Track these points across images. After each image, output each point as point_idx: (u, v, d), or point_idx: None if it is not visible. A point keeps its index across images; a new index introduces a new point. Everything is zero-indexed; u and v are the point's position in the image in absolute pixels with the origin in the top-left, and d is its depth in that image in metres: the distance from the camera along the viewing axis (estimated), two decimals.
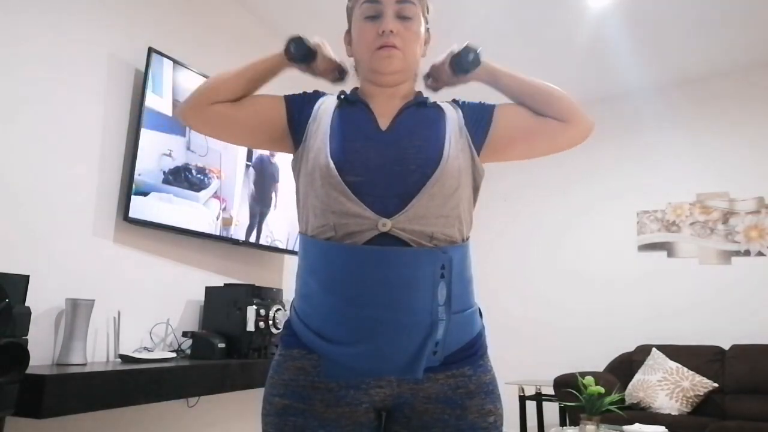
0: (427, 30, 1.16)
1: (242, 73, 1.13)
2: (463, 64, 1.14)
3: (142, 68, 2.60)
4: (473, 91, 1.28)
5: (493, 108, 1.13)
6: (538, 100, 1.11)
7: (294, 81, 1.36)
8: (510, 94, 1.15)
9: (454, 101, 1.16)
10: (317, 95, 1.15)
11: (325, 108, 1.09)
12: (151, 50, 2.58)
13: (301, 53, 1.13)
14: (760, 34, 3.55)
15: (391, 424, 1.00)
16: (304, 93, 1.15)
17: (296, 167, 1.08)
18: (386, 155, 0.99)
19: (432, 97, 1.16)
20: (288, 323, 1.04)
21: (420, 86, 1.19)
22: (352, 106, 1.10)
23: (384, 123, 1.06)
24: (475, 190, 1.08)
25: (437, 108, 1.12)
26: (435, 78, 1.21)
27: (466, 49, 1.14)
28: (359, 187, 0.97)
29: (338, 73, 1.18)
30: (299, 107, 1.11)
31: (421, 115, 1.08)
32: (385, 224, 0.94)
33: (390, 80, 1.09)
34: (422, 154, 1.00)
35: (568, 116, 1.10)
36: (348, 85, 1.18)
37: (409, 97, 1.13)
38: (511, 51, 3.77)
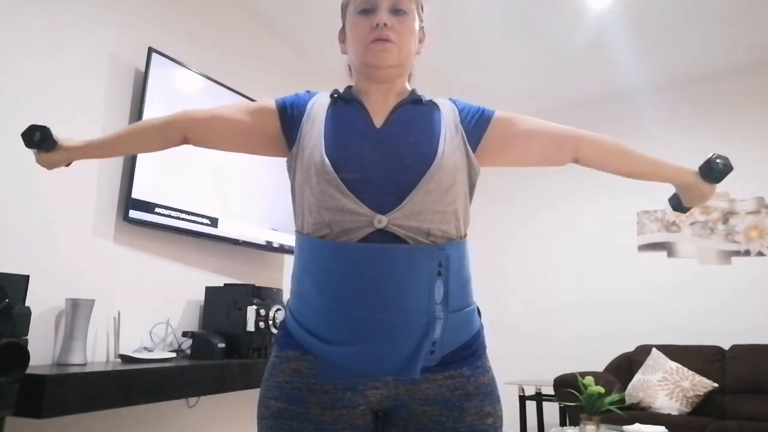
0: (422, 28, 1.16)
1: (104, 156, 1.20)
2: (719, 173, 1.07)
3: (142, 68, 2.60)
4: (472, 94, 1.28)
5: (492, 114, 1.12)
6: (627, 171, 1.14)
7: (293, 86, 1.36)
8: (655, 175, 1.14)
9: (451, 100, 1.16)
10: (309, 95, 1.14)
11: (319, 106, 1.09)
12: (151, 50, 2.58)
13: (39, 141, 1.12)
14: (760, 34, 3.55)
15: (388, 426, 0.99)
16: (296, 94, 1.15)
17: (291, 166, 1.08)
18: (381, 152, 0.99)
19: (427, 95, 1.16)
20: (283, 323, 1.03)
21: (414, 84, 1.18)
22: (346, 104, 1.09)
23: (378, 120, 1.06)
24: (471, 187, 1.08)
25: (432, 105, 1.11)
26: (686, 201, 1.15)
27: (718, 157, 1.07)
28: (355, 183, 0.96)
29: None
30: (291, 107, 1.11)
31: (416, 112, 1.08)
32: (381, 221, 0.93)
33: (384, 75, 1.09)
34: (417, 150, 1.00)
35: (591, 165, 1.15)
36: (341, 84, 1.18)
37: (403, 95, 1.12)
38: (511, 51, 3.78)
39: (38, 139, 1.10)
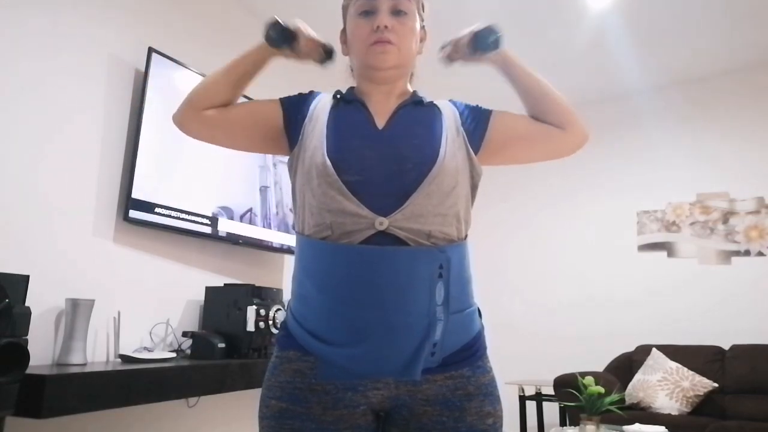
0: (423, 28, 1.16)
1: (230, 71, 1.12)
2: (482, 43, 1.12)
3: (142, 68, 2.60)
4: (474, 93, 1.28)
5: (490, 112, 1.13)
6: (543, 101, 1.11)
7: (291, 83, 1.36)
8: (519, 88, 1.14)
9: (451, 101, 1.16)
10: (313, 95, 1.14)
11: (321, 107, 1.09)
12: (151, 50, 2.58)
13: (281, 36, 1.11)
14: (760, 34, 3.55)
15: (389, 426, 0.99)
16: (300, 94, 1.15)
17: (292, 166, 1.08)
18: (383, 154, 0.99)
19: (428, 96, 1.16)
20: (284, 324, 1.04)
21: (416, 85, 1.18)
22: (348, 105, 1.09)
23: (380, 122, 1.06)
24: (473, 188, 1.08)
25: (434, 107, 1.11)
26: (452, 50, 1.18)
27: (489, 30, 1.12)
28: (356, 185, 0.96)
29: (323, 52, 1.15)
30: (295, 107, 1.11)
31: (417, 114, 1.08)
32: (382, 223, 0.93)
33: (385, 76, 1.09)
34: (419, 152, 1.00)
35: (567, 124, 1.10)
36: (343, 84, 1.18)
37: (405, 96, 1.12)
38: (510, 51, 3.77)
39: (274, 35, 1.09)
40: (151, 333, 2.58)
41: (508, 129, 1.11)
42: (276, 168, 3.18)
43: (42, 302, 2.15)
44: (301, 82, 1.23)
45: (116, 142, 2.51)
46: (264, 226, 3.12)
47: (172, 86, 2.67)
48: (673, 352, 3.55)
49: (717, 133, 4.03)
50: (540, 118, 1.12)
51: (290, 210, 3.25)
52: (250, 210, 3.02)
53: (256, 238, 3.09)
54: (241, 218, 3.00)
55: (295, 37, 1.12)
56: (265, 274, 3.34)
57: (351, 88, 1.14)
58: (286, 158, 1.12)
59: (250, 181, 3.05)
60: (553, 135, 1.11)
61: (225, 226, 2.90)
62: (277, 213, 3.19)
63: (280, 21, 1.10)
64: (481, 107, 1.14)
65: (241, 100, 1.18)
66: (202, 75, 2.82)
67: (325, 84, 1.20)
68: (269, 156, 3.10)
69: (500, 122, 1.11)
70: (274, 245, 3.22)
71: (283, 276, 3.49)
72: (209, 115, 1.10)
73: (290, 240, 3.32)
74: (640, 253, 4.15)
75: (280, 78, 3.72)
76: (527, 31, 3.54)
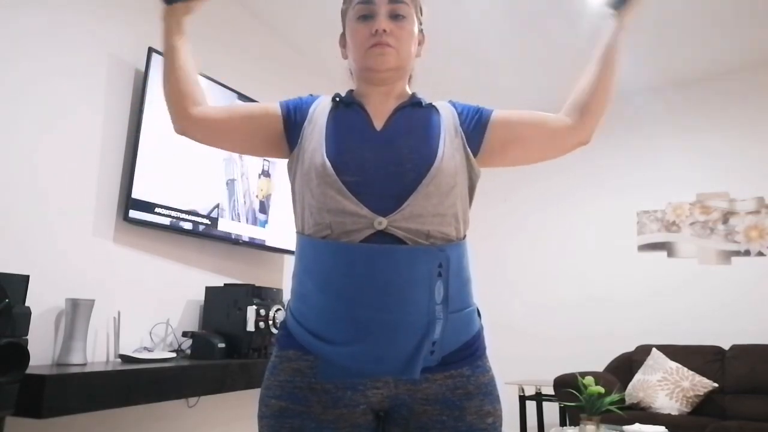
0: (421, 31, 1.17)
1: (165, 60, 1.11)
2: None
3: (142, 68, 2.60)
4: (474, 93, 1.28)
5: (490, 113, 1.12)
6: (605, 85, 1.09)
7: (292, 86, 1.36)
8: (607, 54, 1.11)
9: (451, 102, 1.16)
10: (312, 98, 1.15)
11: (321, 110, 1.10)
12: (151, 50, 2.58)
13: None
14: (760, 34, 3.55)
15: (389, 425, 0.99)
16: (299, 97, 1.16)
17: (292, 169, 1.09)
18: (381, 155, 1.00)
19: (427, 98, 1.16)
20: (284, 323, 1.04)
21: (415, 87, 1.18)
22: (347, 107, 1.10)
23: (379, 123, 1.07)
24: (471, 189, 1.08)
25: (432, 108, 1.12)
26: None
27: None
28: (355, 186, 0.97)
29: None
30: (294, 110, 1.12)
31: (415, 115, 1.09)
32: (381, 222, 0.94)
33: (384, 78, 1.09)
34: (417, 153, 1.00)
35: (588, 120, 1.08)
36: (342, 89, 1.18)
37: (403, 98, 1.13)
38: (510, 51, 3.78)
39: None
40: (151, 333, 2.58)
41: (509, 130, 1.10)
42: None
43: (42, 302, 2.15)
44: (301, 84, 1.22)
45: (116, 142, 2.51)
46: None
47: None
48: (673, 352, 3.55)
49: (717, 133, 4.03)
50: (577, 97, 1.09)
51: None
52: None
53: (256, 238, 3.10)
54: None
55: None
56: (265, 274, 3.34)
57: (350, 91, 1.15)
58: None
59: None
60: (557, 133, 1.09)
61: (225, 226, 2.90)
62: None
63: None
64: (481, 108, 1.14)
65: (242, 99, 1.18)
66: (202, 74, 2.82)
67: (324, 89, 1.20)
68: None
69: (500, 123, 1.11)
70: (274, 245, 3.22)
71: (283, 276, 3.49)
72: (209, 120, 1.10)
73: (290, 240, 3.32)
74: (640, 253, 4.15)
75: (280, 83, 3.74)
76: (527, 30, 3.54)
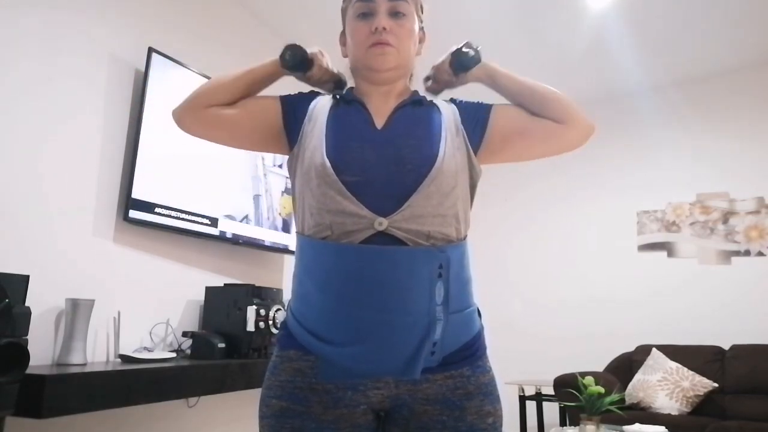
0: (422, 29, 1.16)
1: (240, 78, 1.12)
2: (463, 61, 1.13)
3: (142, 68, 2.60)
4: (472, 92, 1.28)
5: (490, 107, 1.12)
6: (535, 101, 1.10)
7: (292, 85, 1.36)
8: (508, 95, 1.14)
9: (452, 100, 1.16)
10: (313, 95, 1.15)
11: (321, 107, 1.09)
12: (151, 50, 2.58)
13: (296, 62, 1.12)
14: (760, 34, 3.55)
15: (389, 425, 0.99)
16: (300, 93, 1.15)
17: (292, 167, 1.08)
18: (382, 155, 0.99)
19: (429, 97, 1.16)
20: (284, 324, 1.04)
21: (416, 85, 1.18)
22: (347, 105, 1.09)
23: (379, 122, 1.06)
24: (472, 188, 1.07)
25: (433, 106, 1.11)
26: (435, 79, 1.20)
27: (467, 46, 1.13)
28: (355, 186, 0.96)
29: (335, 85, 1.17)
30: (295, 107, 1.11)
31: (416, 114, 1.08)
32: (381, 223, 0.93)
33: (384, 77, 1.09)
34: (418, 153, 1.00)
35: (567, 118, 1.08)
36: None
37: (404, 96, 1.12)
38: (510, 51, 3.77)
39: (289, 59, 1.11)
40: (151, 333, 2.58)
41: (509, 124, 1.10)
42: (266, 177, 3.22)
43: (42, 302, 2.15)
44: (301, 84, 1.22)
45: (116, 142, 2.51)
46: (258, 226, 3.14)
47: (172, 86, 2.67)
48: (673, 352, 3.55)
49: (717, 133, 4.03)
50: (540, 116, 1.10)
51: (279, 214, 3.29)
52: (246, 216, 3.05)
53: (256, 238, 3.10)
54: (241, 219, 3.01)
55: (310, 65, 1.14)
56: (265, 274, 3.34)
57: (350, 89, 1.15)
58: (276, 168, 1.12)
59: (247, 190, 3.09)
60: (555, 130, 1.09)
61: (225, 226, 2.90)
62: (268, 218, 3.21)
63: (299, 47, 1.12)
64: (481, 103, 1.14)
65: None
66: (202, 75, 2.82)
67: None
68: (260, 166, 3.13)
69: (501, 117, 1.10)
70: (274, 245, 3.22)
71: (283, 276, 3.49)
72: (208, 113, 1.09)
73: (288, 239, 3.32)
74: (640, 253, 4.15)
75: (280, 83, 3.73)
76: (527, 31, 3.54)
